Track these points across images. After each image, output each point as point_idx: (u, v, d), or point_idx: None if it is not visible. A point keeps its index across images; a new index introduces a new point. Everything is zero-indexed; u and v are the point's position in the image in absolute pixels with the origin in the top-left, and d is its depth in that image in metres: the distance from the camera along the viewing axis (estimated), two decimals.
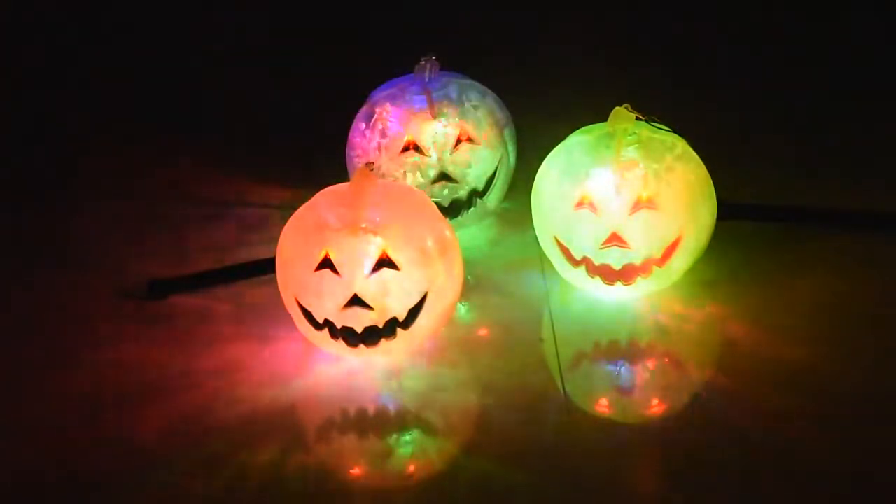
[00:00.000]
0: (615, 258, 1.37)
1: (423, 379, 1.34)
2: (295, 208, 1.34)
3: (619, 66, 2.08)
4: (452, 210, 1.56)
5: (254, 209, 1.72)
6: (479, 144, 1.55)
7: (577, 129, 1.43)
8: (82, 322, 1.48)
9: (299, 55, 2.26)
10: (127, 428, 1.29)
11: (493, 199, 1.59)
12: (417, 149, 1.53)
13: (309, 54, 2.26)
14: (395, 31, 2.31)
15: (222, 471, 1.22)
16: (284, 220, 1.34)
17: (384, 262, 1.27)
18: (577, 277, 1.42)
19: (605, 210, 1.36)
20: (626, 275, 1.38)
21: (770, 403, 1.27)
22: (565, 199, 1.38)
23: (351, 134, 1.58)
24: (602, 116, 1.40)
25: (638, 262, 1.37)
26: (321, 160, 1.75)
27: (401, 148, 1.53)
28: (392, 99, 1.55)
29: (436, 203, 1.41)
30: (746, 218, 1.56)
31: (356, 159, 1.57)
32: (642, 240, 1.35)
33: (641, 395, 1.33)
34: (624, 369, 1.36)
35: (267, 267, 1.41)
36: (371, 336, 1.30)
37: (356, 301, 1.27)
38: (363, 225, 1.27)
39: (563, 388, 1.31)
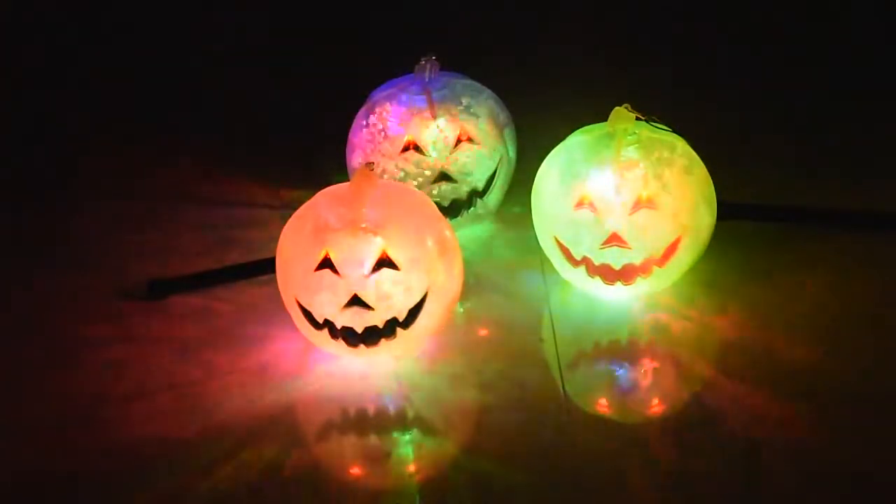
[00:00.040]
0: (615, 258, 1.37)
1: (423, 379, 1.34)
2: (295, 208, 1.34)
3: (619, 66, 2.08)
4: (452, 210, 1.56)
5: (254, 209, 1.72)
6: (479, 144, 1.55)
7: (577, 129, 1.43)
8: (82, 322, 1.48)
9: (299, 55, 2.26)
10: (127, 428, 1.29)
11: (493, 199, 1.59)
12: (417, 149, 1.53)
13: (309, 54, 2.26)
14: (395, 31, 2.31)
15: (222, 471, 1.22)
16: (284, 220, 1.34)
17: (384, 262, 1.27)
18: (577, 277, 1.42)
19: (605, 210, 1.36)
20: (626, 275, 1.38)
21: (770, 403, 1.27)
22: (565, 199, 1.38)
23: (351, 134, 1.58)
24: (602, 116, 1.40)
25: (638, 262, 1.37)
26: (321, 160, 1.75)
27: (401, 148, 1.53)
28: (392, 99, 1.55)
29: (436, 203, 1.41)
30: (746, 218, 1.56)
31: (356, 159, 1.57)
32: (642, 240, 1.35)
33: (641, 395, 1.33)
34: (624, 369, 1.36)
35: (267, 267, 1.41)
36: (371, 336, 1.30)
37: (356, 301, 1.27)
38: (363, 225, 1.27)
39: (563, 388, 1.31)
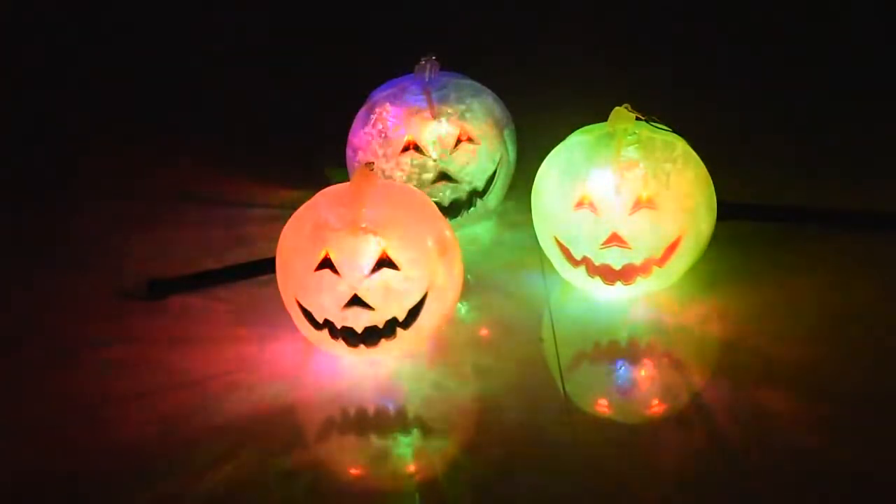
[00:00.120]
0: (615, 258, 1.37)
1: (423, 379, 1.34)
2: (295, 208, 1.34)
3: (619, 66, 2.08)
4: (452, 210, 1.56)
5: (254, 209, 1.72)
6: (479, 144, 1.55)
7: (577, 129, 1.43)
8: (82, 322, 1.48)
9: (299, 55, 2.26)
10: (127, 428, 1.29)
11: (493, 199, 1.59)
12: (417, 149, 1.53)
13: (309, 54, 2.26)
14: (395, 31, 2.31)
15: (222, 471, 1.22)
16: (284, 220, 1.34)
17: (384, 262, 1.27)
18: (577, 277, 1.42)
19: (605, 210, 1.36)
20: (626, 275, 1.38)
21: (770, 403, 1.27)
22: (565, 199, 1.38)
23: (351, 134, 1.58)
24: (602, 116, 1.40)
25: (638, 262, 1.37)
26: (321, 160, 1.75)
27: (401, 148, 1.53)
28: (392, 99, 1.55)
29: (436, 203, 1.41)
30: (746, 218, 1.56)
31: (356, 159, 1.57)
32: (642, 240, 1.35)
33: (641, 395, 1.33)
34: (624, 369, 1.36)
35: (267, 267, 1.41)
36: (371, 336, 1.30)
37: (356, 301, 1.27)
38: (363, 225, 1.27)
39: (563, 388, 1.31)
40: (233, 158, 1.87)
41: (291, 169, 1.80)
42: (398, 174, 1.53)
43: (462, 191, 1.56)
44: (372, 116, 1.55)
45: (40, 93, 2.18)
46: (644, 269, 1.38)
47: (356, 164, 1.56)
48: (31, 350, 1.43)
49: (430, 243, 1.29)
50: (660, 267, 1.38)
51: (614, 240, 1.36)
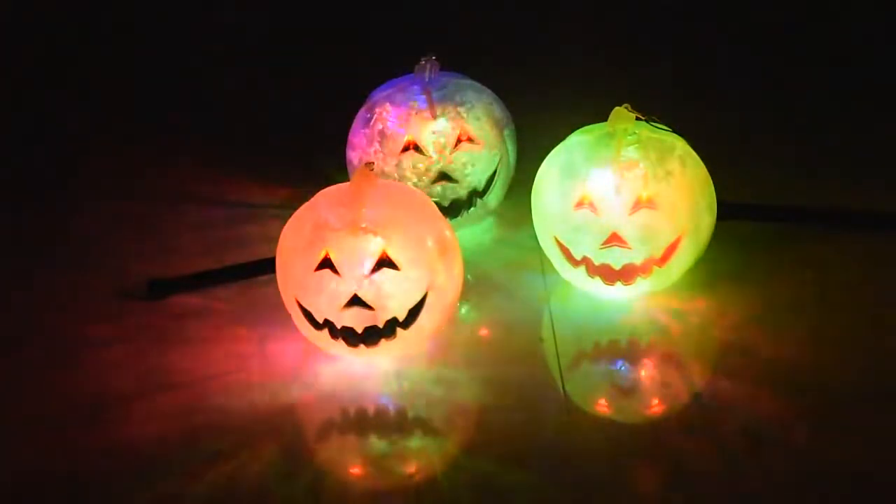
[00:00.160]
0: (615, 258, 1.37)
1: (423, 379, 1.34)
2: (295, 208, 1.34)
3: (619, 66, 2.08)
4: (452, 210, 1.56)
5: (254, 209, 1.72)
6: (479, 144, 1.55)
7: (577, 129, 1.43)
8: (82, 322, 1.48)
9: (299, 55, 2.26)
10: (127, 428, 1.29)
11: (493, 199, 1.59)
12: (417, 149, 1.53)
13: (309, 54, 2.27)
14: (395, 31, 2.31)
15: (222, 471, 1.22)
16: (284, 220, 1.34)
17: (384, 262, 1.27)
18: (577, 277, 1.42)
19: (605, 210, 1.36)
20: (626, 275, 1.38)
21: (770, 403, 1.27)
22: (565, 199, 1.38)
23: (351, 134, 1.58)
24: (602, 116, 1.40)
25: (638, 262, 1.37)
26: (321, 160, 1.75)
27: (401, 148, 1.53)
28: (392, 99, 1.55)
29: (436, 203, 1.41)
30: (746, 218, 1.56)
31: (356, 159, 1.57)
32: (642, 240, 1.35)
33: (641, 395, 1.33)
34: (624, 369, 1.36)
35: (267, 267, 1.41)
36: (371, 336, 1.30)
37: (356, 301, 1.27)
38: (363, 225, 1.27)
39: (563, 388, 1.31)
40: (233, 158, 1.87)
41: (291, 169, 1.80)
42: (398, 174, 1.53)
43: (462, 191, 1.56)
44: (372, 116, 1.55)
45: (40, 93, 2.18)
46: (644, 269, 1.38)
47: (356, 165, 1.56)
48: (31, 350, 1.43)
49: (430, 243, 1.29)
50: (660, 267, 1.38)
51: (614, 240, 1.36)
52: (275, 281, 1.35)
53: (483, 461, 1.22)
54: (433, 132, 1.53)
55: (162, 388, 1.34)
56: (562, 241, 1.40)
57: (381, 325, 1.29)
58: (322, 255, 1.27)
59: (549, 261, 1.46)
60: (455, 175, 1.54)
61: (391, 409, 1.31)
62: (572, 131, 1.43)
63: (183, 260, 1.58)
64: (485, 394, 1.32)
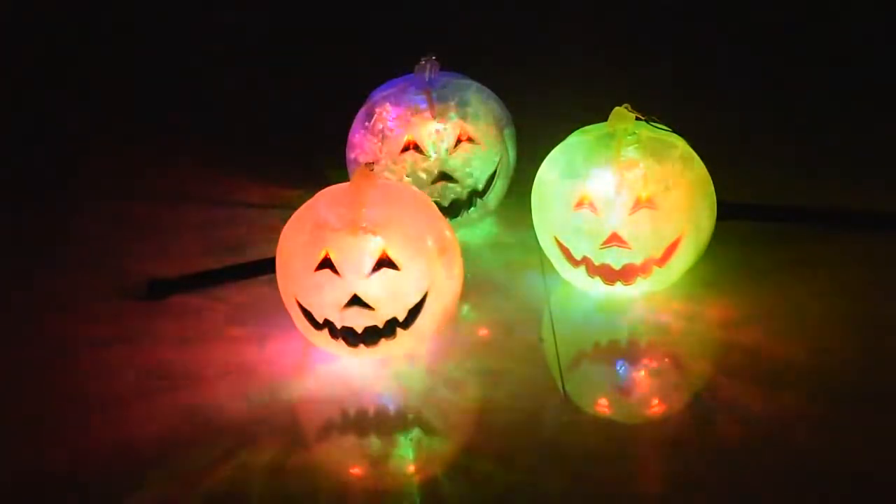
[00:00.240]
0: (615, 258, 1.37)
1: (423, 379, 1.34)
2: (295, 208, 1.34)
3: (619, 66, 2.08)
4: (452, 210, 1.56)
5: (254, 209, 1.72)
6: (479, 144, 1.55)
7: (577, 129, 1.43)
8: (82, 322, 1.48)
9: (299, 55, 2.26)
10: (127, 428, 1.29)
11: (493, 199, 1.59)
12: (417, 149, 1.53)
13: (309, 54, 2.26)
14: (395, 31, 2.31)
15: (222, 471, 1.22)
16: (284, 220, 1.34)
17: (384, 262, 1.27)
18: (577, 277, 1.42)
19: (605, 210, 1.36)
20: (626, 275, 1.38)
21: (770, 403, 1.27)
22: (565, 199, 1.38)
23: (351, 134, 1.58)
24: (602, 116, 1.40)
25: (638, 262, 1.37)
26: (321, 160, 1.75)
27: (401, 148, 1.53)
28: (392, 99, 1.55)
29: (436, 203, 1.41)
30: (746, 218, 1.56)
31: (356, 159, 1.57)
32: (642, 240, 1.35)
33: (641, 395, 1.33)
34: (624, 369, 1.36)
35: (267, 267, 1.41)
36: (371, 336, 1.30)
37: (356, 301, 1.27)
38: (363, 225, 1.27)
39: (563, 388, 1.31)
40: (233, 158, 1.87)
41: (291, 169, 1.80)
42: (398, 174, 1.53)
43: (462, 191, 1.56)
44: (372, 116, 1.55)
45: (40, 93, 2.18)
46: (644, 269, 1.38)
47: (356, 165, 1.56)
48: (31, 350, 1.43)
49: (429, 243, 1.29)
50: (660, 267, 1.38)
51: (614, 240, 1.36)
52: (275, 281, 1.35)
53: (483, 461, 1.22)
54: (433, 132, 1.53)
55: (162, 388, 1.34)
56: (562, 241, 1.40)
57: (381, 325, 1.29)
58: (322, 255, 1.27)
59: (549, 261, 1.46)
60: (455, 175, 1.54)
61: (391, 409, 1.31)
62: (572, 131, 1.43)
63: (183, 260, 1.58)
64: (485, 394, 1.32)
